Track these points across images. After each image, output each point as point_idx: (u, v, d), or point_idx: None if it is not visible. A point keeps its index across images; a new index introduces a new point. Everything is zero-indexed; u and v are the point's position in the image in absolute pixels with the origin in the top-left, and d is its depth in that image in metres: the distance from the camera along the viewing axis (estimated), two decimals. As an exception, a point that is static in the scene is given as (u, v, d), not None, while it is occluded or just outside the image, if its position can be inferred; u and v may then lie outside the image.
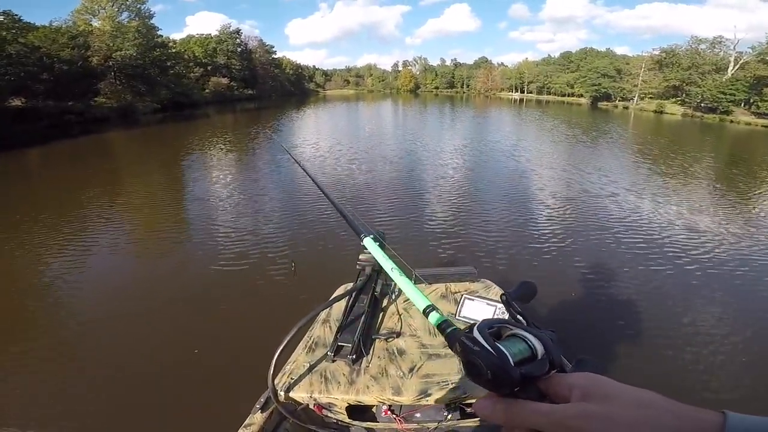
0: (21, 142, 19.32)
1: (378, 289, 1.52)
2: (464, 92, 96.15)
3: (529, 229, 6.19)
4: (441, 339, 1.29)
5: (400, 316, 1.46)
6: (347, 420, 1.23)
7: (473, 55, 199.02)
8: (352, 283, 1.52)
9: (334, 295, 1.49)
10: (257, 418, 1.13)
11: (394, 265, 0.75)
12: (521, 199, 7.92)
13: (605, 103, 53.33)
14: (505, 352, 0.38)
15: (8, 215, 7.09)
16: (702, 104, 38.10)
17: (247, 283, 4.46)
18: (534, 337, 0.40)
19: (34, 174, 13.04)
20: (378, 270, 1.50)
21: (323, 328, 1.41)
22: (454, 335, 0.46)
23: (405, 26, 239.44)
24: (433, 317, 0.54)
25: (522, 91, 78.03)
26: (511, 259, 5.11)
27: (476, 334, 0.39)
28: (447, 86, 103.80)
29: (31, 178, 12.13)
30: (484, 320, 0.42)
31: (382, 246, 0.87)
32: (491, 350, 0.37)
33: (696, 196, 8.51)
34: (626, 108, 46.81)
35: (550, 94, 70.98)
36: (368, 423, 1.27)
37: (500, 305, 1.37)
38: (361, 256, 1.51)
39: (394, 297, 1.56)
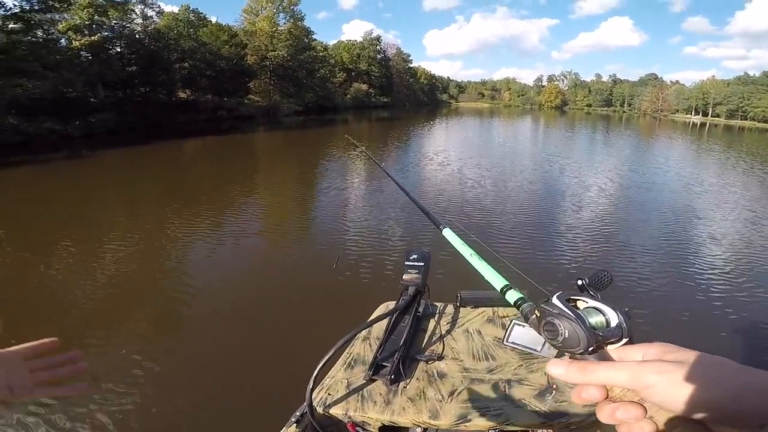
0: (182, 132, 20.43)
1: (420, 309, 1.46)
2: (624, 112, 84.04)
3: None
4: (485, 363, 1.23)
5: (442, 338, 1.39)
6: None
7: (636, 72, 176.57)
8: (393, 302, 1.47)
9: (376, 314, 1.46)
10: (291, 431, 1.14)
11: (473, 252, 0.74)
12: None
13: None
14: (582, 315, 0.41)
15: (168, 197, 8.63)
16: None
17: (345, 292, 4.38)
18: (609, 308, 0.42)
19: (190, 164, 14.14)
20: (421, 290, 1.43)
21: (363, 346, 1.36)
22: (531, 306, 0.48)
23: (551, 40, 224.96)
24: (511, 295, 0.55)
25: (705, 114, 64.15)
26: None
27: (555, 301, 0.43)
28: (602, 104, 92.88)
29: (188, 169, 13.23)
30: (561, 292, 0.44)
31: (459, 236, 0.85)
32: (569, 312, 0.41)
33: None
34: None
35: (745, 119, 56.80)
36: None
37: None
38: (404, 276, 1.43)
39: (437, 318, 1.50)
